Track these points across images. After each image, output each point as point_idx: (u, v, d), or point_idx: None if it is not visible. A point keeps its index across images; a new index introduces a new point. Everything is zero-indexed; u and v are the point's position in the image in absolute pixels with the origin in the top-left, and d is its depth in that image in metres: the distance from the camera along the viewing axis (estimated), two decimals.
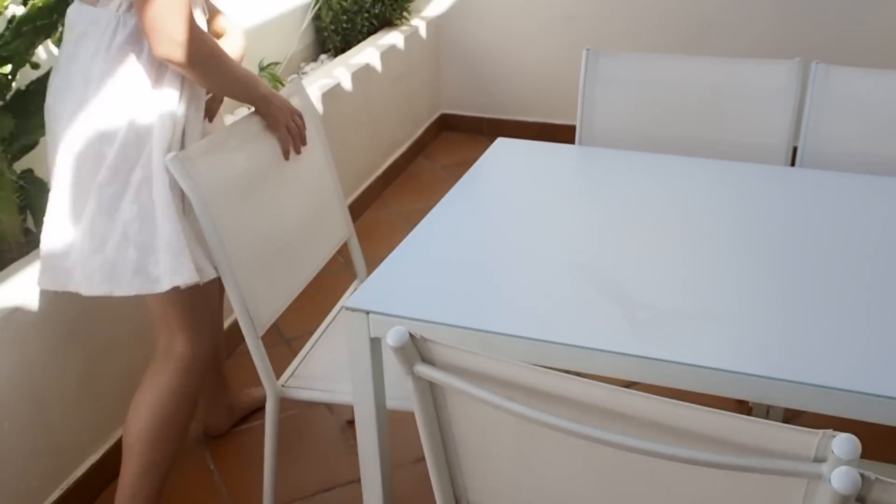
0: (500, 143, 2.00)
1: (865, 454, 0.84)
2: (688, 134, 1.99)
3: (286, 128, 1.74)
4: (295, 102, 1.80)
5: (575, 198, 1.77)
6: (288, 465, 2.11)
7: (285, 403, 1.87)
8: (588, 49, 2.03)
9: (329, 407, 2.30)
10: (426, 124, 4.09)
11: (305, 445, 2.18)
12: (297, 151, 1.78)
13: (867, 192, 1.69)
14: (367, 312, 1.34)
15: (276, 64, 3.24)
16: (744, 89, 1.96)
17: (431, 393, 1.11)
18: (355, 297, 1.39)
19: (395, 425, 1.52)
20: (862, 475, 0.79)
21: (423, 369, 1.05)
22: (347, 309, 1.35)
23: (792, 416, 2.01)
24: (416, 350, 1.04)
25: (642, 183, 1.78)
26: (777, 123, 1.93)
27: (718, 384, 1.18)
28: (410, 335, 1.02)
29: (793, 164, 1.94)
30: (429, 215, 1.64)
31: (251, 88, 1.67)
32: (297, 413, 2.28)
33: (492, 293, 1.39)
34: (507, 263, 1.48)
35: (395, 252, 1.52)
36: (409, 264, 1.49)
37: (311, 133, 1.83)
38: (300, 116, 1.78)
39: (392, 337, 1.02)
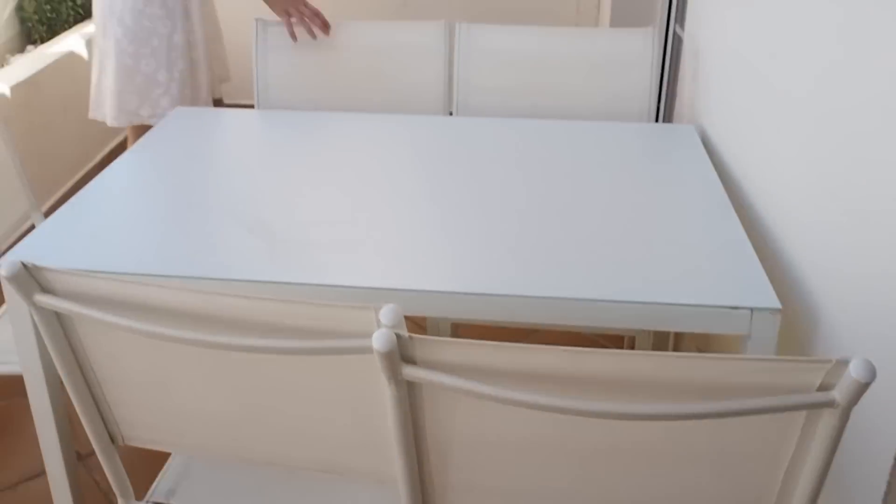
0: (178, 111, 2.08)
1: None
2: (354, 95, 2.17)
3: (286, 12, 2.12)
4: None
5: (251, 157, 1.89)
6: None
7: None
8: (258, 19, 2.14)
9: None
10: None
11: (8, 435, 2.14)
12: (312, 35, 2.14)
13: (510, 132, 1.95)
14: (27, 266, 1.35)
15: None
16: (399, 49, 2.16)
17: (60, 326, 1.12)
18: (12, 252, 1.41)
19: None
20: (398, 335, 0.94)
21: (43, 299, 1.05)
22: None
23: None
24: (32, 279, 1.06)
25: (317, 139, 1.93)
26: (432, 78, 2.15)
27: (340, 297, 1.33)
28: (23, 264, 1.06)
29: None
30: (99, 175, 1.69)
31: None
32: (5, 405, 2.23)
33: (158, 240, 1.47)
34: (176, 214, 1.57)
35: (62, 208, 1.55)
36: (77, 218, 1.53)
37: None
38: (307, 6, 2.13)
39: (4, 267, 1.05)
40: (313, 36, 2.14)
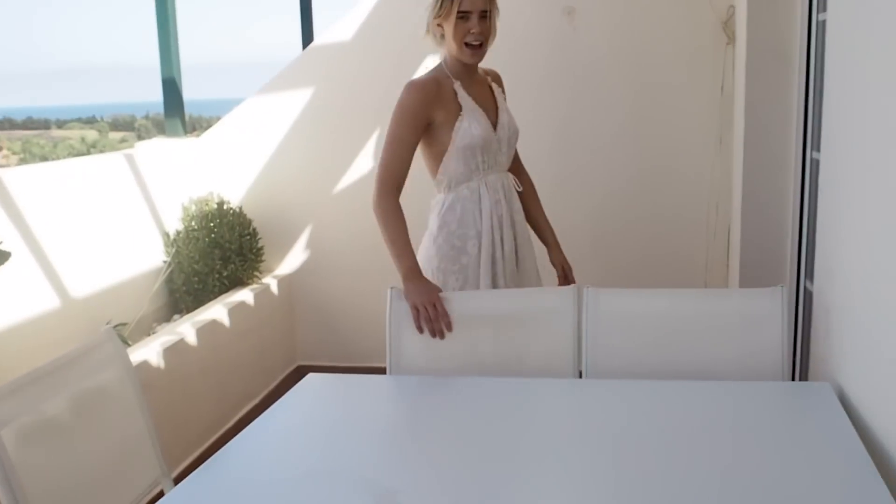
0: (310, 378, 2.15)
1: None
2: (482, 361, 2.19)
3: (415, 307, 2.20)
4: (107, 351, 1.92)
5: (382, 424, 1.90)
6: None
7: None
8: (392, 288, 2.25)
9: None
10: (281, 376, 4.20)
11: None
12: (432, 334, 2.19)
13: (641, 394, 1.91)
14: None
15: (124, 325, 3.36)
16: (528, 314, 2.21)
17: None
18: None
19: None
20: None
21: None
22: None
23: None
24: None
25: (449, 405, 1.95)
26: (561, 341, 2.16)
27: None
28: None
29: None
30: (228, 444, 1.73)
31: (395, 259, 2.34)
32: None
33: None
34: (305, 484, 1.57)
35: (191, 476, 1.58)
36: (209, 488, 1.55)
37: (123, 379, 1.93)
38: (436, 308, 2.18)
39: None
40: (433, 335, 2.20)
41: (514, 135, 2.59)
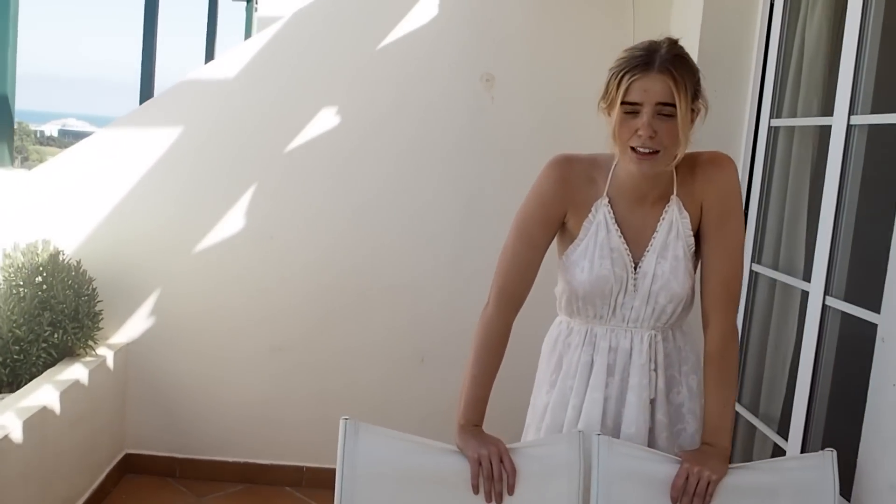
0: None
1: None
2: None
3: (477, 459, 1.75)
4: None
5: None
6: None
7: None
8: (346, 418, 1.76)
9: None
10: (108, 468, 3.45)
11: None
12: (488, 498, 1.74)
13: None
14: None
15: None
16: None
17: None
18: None
19: None
20: None
21: None
22: None
23: None
24: None
25: None
26: None
27: None
28: None
29: None
30: None
31: (460, 405, 1.84)
32: None
33: None
34: None
35: None
36: None
37: None
38: (502, 461, 1.75)
39: None
40: (488, 499, 1.75)
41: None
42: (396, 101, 3.55)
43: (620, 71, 1.70)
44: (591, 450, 1.83)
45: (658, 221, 1.87)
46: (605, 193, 1.87)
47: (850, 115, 2.40)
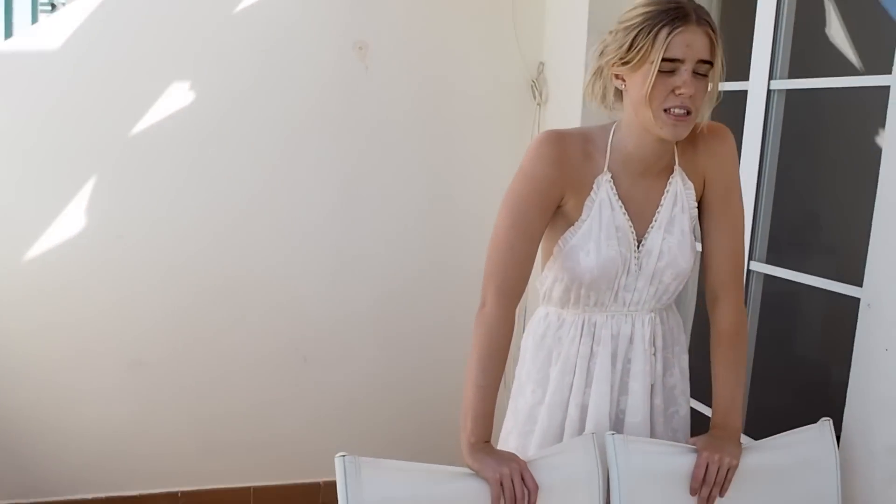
0: None
1: None
2: None
3: (499, 481, 1.52)
4: None
5: None
6: None
7: None
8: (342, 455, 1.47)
9: None
10: None
11: None
12: None
13: None
14: None
15: None
16: None
17: None
18: None
19: None
20: None
21: None
22: None
23: None
24: None
25: None
26: None
27: None
28: None
29: None
30: None
31: (463, 417, 1.61)
32: None
33: None
34: None
35: None
36: None
37: None
38: (523, 479, 1.53)
39: None
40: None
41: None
42: (259, 73, 3.15)
43: (657, 23, 1.51)
44: (604, 448, 1.67)
45: (662, 195, 1.73)
46: (606, 168, 1.68)
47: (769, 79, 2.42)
